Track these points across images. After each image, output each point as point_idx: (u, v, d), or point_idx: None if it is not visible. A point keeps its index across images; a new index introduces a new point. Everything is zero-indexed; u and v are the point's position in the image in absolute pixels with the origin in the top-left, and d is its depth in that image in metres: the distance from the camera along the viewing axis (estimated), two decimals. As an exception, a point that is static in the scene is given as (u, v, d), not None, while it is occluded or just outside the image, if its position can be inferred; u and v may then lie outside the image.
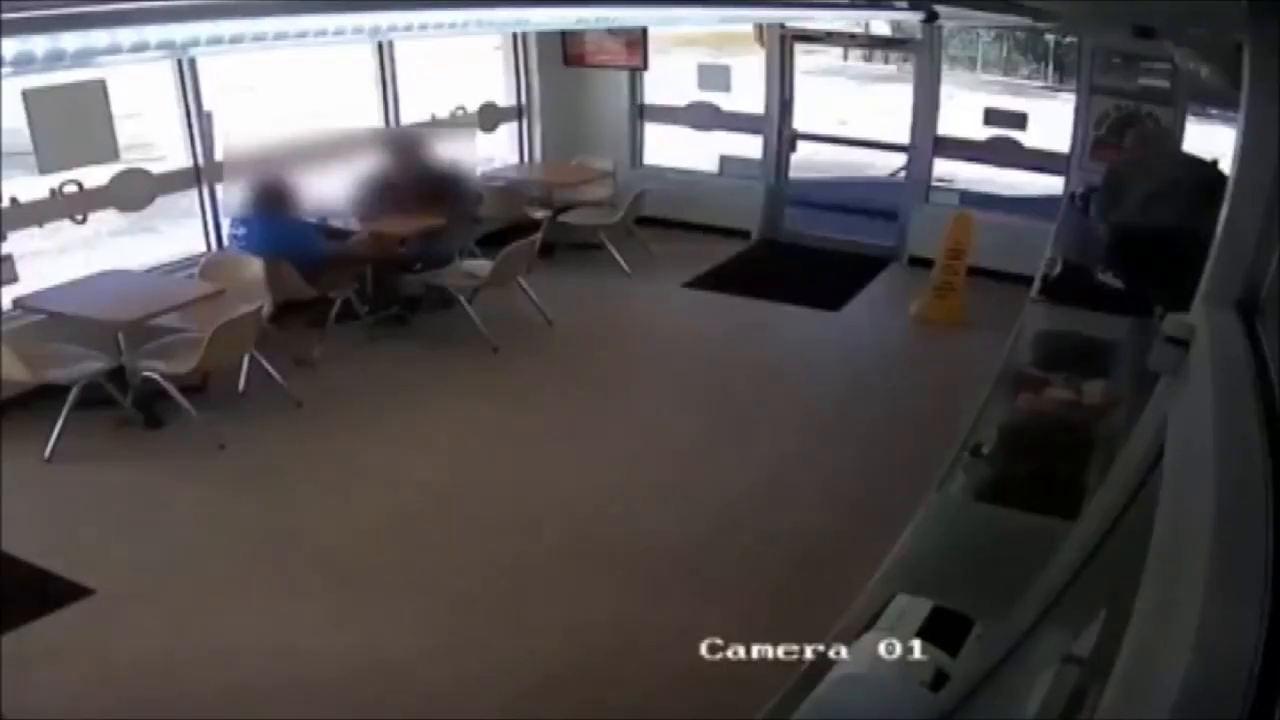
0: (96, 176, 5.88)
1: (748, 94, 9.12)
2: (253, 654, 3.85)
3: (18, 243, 5.69)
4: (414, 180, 6.65)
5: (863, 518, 4.66)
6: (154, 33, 1.73)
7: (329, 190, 6.38)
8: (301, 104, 8.24)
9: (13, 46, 1.50)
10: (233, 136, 6.28)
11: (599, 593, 4.30)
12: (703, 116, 9.29)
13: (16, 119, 5.21)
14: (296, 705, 3.59)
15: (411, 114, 7.94)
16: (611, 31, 8.90)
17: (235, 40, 1.88)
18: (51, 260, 6.70)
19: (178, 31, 1.77)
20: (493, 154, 8.92)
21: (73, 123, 5.53)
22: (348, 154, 6.43)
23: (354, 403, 5.94)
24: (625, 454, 5.49)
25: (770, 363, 6.79)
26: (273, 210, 6.10)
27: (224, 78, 6.88)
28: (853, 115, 11.65)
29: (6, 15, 1.37)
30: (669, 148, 9.52)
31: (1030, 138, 8.31)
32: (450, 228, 6.93)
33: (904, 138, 8.86)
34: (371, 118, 7.59)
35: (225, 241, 6.49)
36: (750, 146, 9.21)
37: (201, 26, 1.82)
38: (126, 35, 1.69)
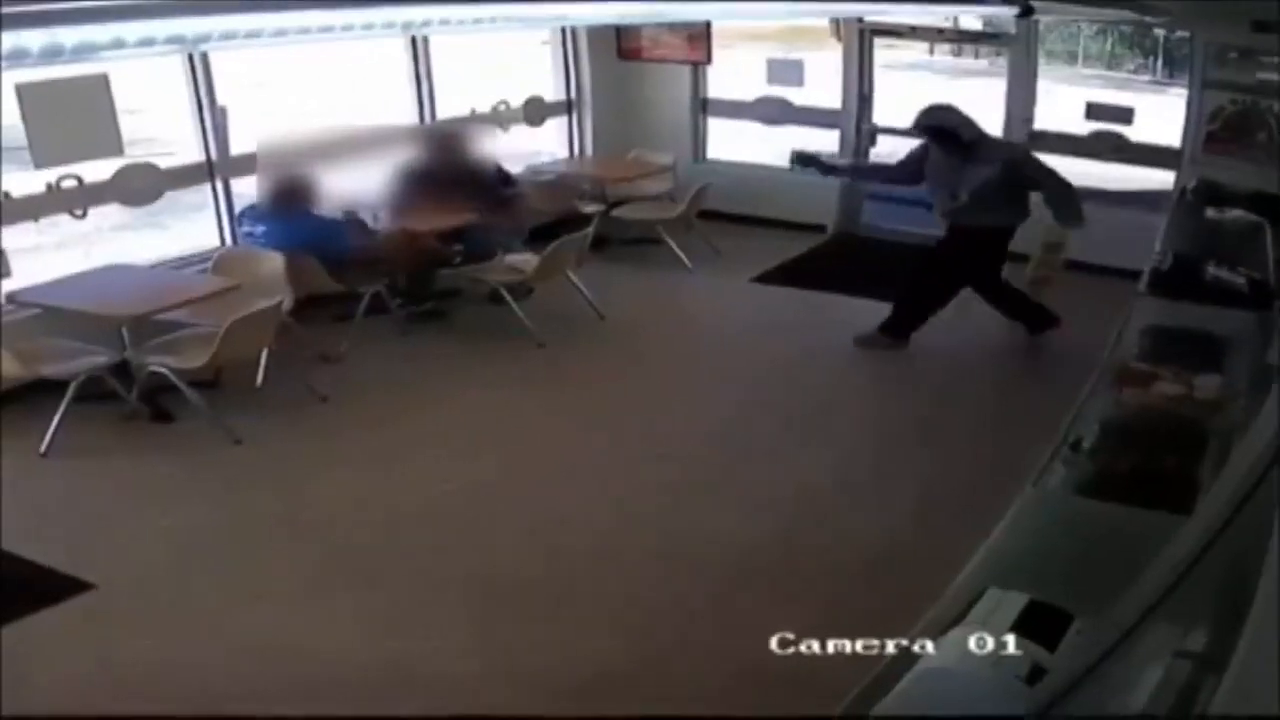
0: (99, 171, 6.05)
1: (822, 88, 9.33)
2: (269, 651, 3.90)
3: (16, 237, 5.87)
4: (446, 175, 6.79)
5: (953, 514, 4.63)
6: (182, 25, 1.87)
7: (357, 186, 6.54)
8: (328, 99, 8.45)
9: (38, 40, 1.63)
10: (259, 132, 6.50)
11: (657, 589, 4.34)
12: (772, 111, 9.39)
13: (15, 114, 5.38)
14: (317, 703, 3.62)
15: (450, 109, 8.13)
16: (670, 26, 9.03)
17: (251, 35, 2.05)
18: (49, 255, 6.97)
19: (197, 25, 1.92)
20: (540, 148, 9.14)
21: (73, 117, 5.66)
22: (376, 149, 6.60)
23: (383, 397, 6.04)
24: (684, 451, 5.52)
25: (849, 357, 6.84)
26: (297, 206, 6.25)
27: (238, 72, 7.07)
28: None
29: (13, 10, 1.47)
30: (735, 142, 9.67)
31: (1138, 132, 8.32)
32: (490, 222, 7.10)
33: (997, 132, 8.65)
34: (404, 113, 7.80)
35: (238, 239, 6.63)
36: (825, 141, 9.27)
37: (214, 21, 1.95)
38: (159, 28, 1.82)
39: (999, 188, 6.48)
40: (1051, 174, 6.63)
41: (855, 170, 8.05)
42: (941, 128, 6.55)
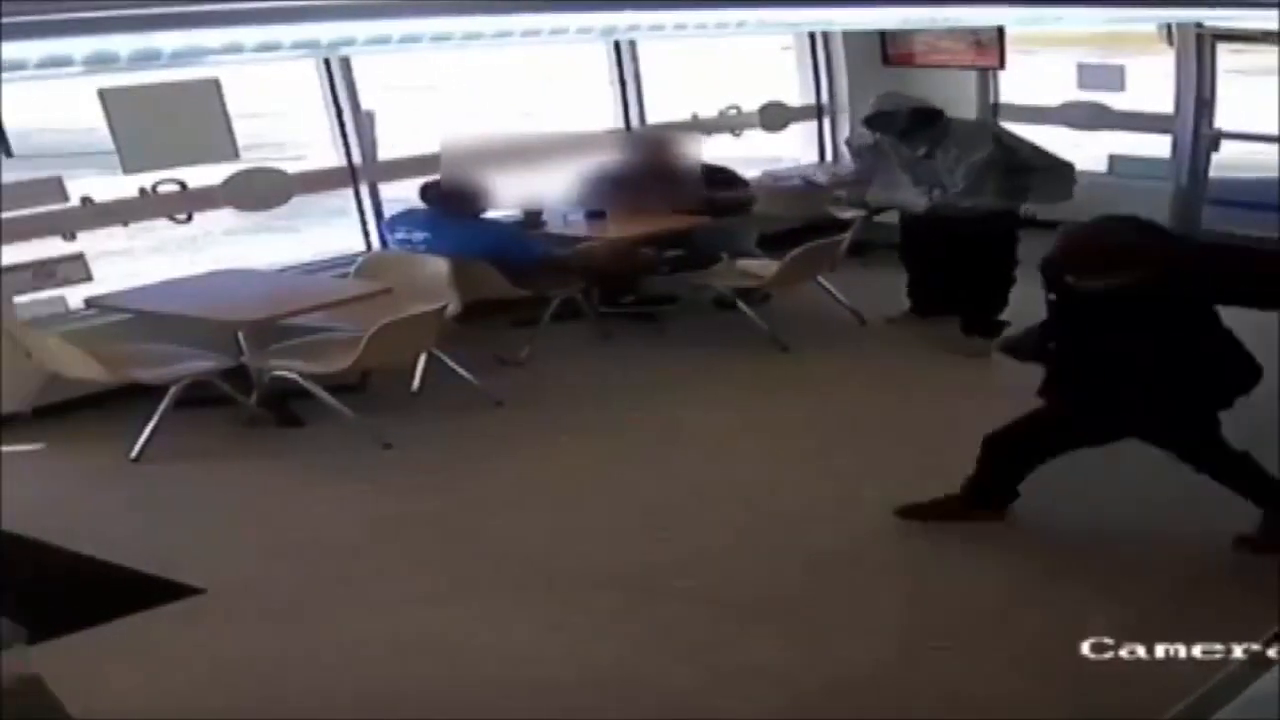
0: (209, 176, 6.27)
1: (1147, 94, 9.23)
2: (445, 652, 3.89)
3: (103, 241, 6.15)
4: (652, 181, 6.89)
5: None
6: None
7: (541, 191, 6.79)
8: (511, 104, 8.85)
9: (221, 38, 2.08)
10: (421, 138, 6.75)
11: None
12: (1083, 116, 9.21)
13: (127, 120, 5.67)
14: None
15: (663, 114, 8.35)
16: (950, 31, 9.07)
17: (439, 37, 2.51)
18: (144, 259, 7.39)
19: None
20: (780, 153, 9.37)
21: (175, 122, 5.90)
22: (566, 155, 6.78)
23: (570, 400, 6.07)
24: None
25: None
26: (468, 212, 6.39)
27: (397, 76, 7.69)
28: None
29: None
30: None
31: None
32: (716, 226, 7.24)
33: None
34: (606, 118, 8.06)
35: (389, 244, 6.77)
36: (1147, 146, 9.21)
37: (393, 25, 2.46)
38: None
39: (993, 168, 6.47)
40: (1034, 148, 6.72)
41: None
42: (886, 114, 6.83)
